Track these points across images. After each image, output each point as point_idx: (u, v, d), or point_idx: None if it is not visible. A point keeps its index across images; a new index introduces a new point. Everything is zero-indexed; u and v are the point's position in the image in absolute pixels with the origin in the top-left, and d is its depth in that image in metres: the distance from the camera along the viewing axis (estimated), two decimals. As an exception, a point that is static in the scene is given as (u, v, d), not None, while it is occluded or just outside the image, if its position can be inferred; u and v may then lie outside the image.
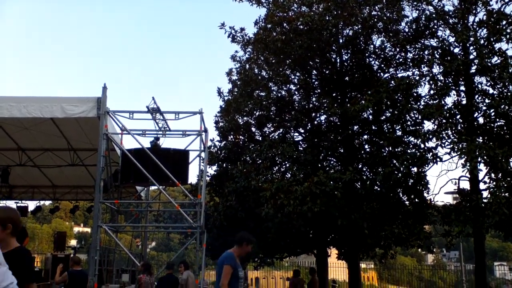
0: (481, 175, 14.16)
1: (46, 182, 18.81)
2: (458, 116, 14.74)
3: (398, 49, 16.59)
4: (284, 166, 16.98)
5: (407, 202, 15.76)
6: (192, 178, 31.23)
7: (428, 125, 14.97)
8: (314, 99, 17.95)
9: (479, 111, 14.60)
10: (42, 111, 11.33)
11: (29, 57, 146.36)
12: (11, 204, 19.69)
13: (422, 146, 14.59)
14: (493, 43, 14.20)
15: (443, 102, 14.55)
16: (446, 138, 14.15)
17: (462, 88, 15.09)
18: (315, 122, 17.85)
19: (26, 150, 15.73)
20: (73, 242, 47.59)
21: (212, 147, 18.41)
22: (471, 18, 15.20)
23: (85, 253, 33.21)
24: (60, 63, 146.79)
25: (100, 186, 11.47)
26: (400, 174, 14.58)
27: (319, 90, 17.96)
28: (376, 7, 16.50)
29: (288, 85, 18.09)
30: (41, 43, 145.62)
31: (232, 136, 18.92)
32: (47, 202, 21.77)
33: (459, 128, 14.50)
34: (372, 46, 17.23)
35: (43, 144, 15.20)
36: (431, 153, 14.35)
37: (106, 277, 14.03)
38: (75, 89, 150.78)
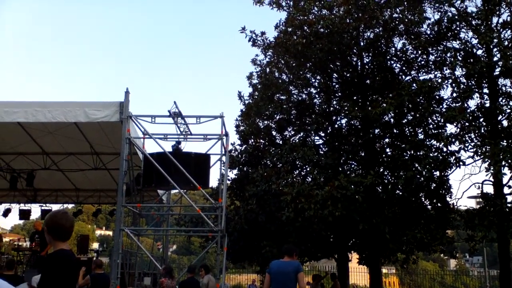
0: (505, 179, 13.97)
1: (70, 185, 19.07)
2: (481, 119, 14.54)
3: (419, 52, 16.46)
4: (304, 170, 16.94)
5: (429, 207, 15.60)
6: (213, 182, 31.43)
7: (451, 128, 14.87)
8: (334, 102, 17.89)
9: (503, 114, 14.38)
10: (66, 115, 11.49)
11: (52, 60, 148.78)
12: (36, 207, 20.04)
13: (445, 149, 14.44)
14: (518, 44, 13.99)
15: (466, 105, 14.39)
16: (469, 141, 13.99)
17: (486, 90, 14.89)
18: (336, 126, 17.78)
19: (50, 154, 15.97)
20: (95, 245, 48.11)
21: (233, 151, 18.47)
22: (494, 19, 15.02)
23: (107, 256, 33.57)
24: (82, 66, 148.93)
25: (123, 189, 11.57)
26: (422, 178, 14.44)
27: (339, 93, 17.90)
28: (397, 10, 16.42)
29: (308, 89, 18.07)
30: (63, 46, 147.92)
31: (252, 140, 18.95)
32: (70, 205, 22.04)
33: (482, 131, 14.29)
34: (393, 48, 17.14)
35: (67, 148, 15.42)
36: (453, 157, 14.20)
37: (128, 280, 14.14)
38: (98, 93, 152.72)
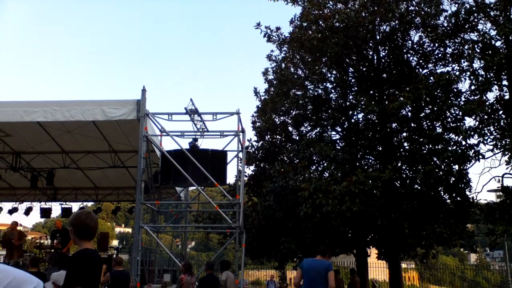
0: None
1: (89, 184, 19.30)
2: (500, 112, 14.32)
3: (437, 44, 16.26)
4: (321, 165, 16.88)
5: (448, 201, 15.44)
6: (230, 178, 31.42)
7: (470, 122, 14.68)
8: (351, 97, 17.78)
9: (523, 106, 14.14)
10: (84, 114, 11.62)
11: (68, 59, 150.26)
12: (56, 205, 20.31)
13: (464, 143, 14.27)
14: (538, 35, 13.73)
15: (484, 98, 14.17)
16: (489, 134, 13.79)
17: (505, 82, 14.64)
18: (353, 120, 17.67)
19: (69, 152, 16.18)
20: (115, 243, 48.60)
21: (250, 147, 18.48)
22: (513, 10, 14.74)
23: (126, 253, 33.90)
24: (99, 65, 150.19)
25: (141, 187, 11.68)
26: (441, 172, 14.29)
27: (356, 88, 17.78)
28: (414, 2, 16.24)
29: (324, 84, 17.98)
30: (78, 45, 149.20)
31: (269, 136, 18.94)
32: (90, 203, 22.32)
33: (502, 124, 14.07)
34: (410, 41, 16.95)
35: (85, 147, 15.59)
36: (473, 150, 14.02)
37: (148, 277, 14.27)
38: (115, 91, 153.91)
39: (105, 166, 16.30)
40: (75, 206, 21.01)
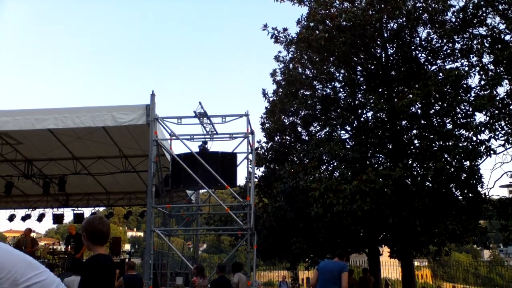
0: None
1: (100, 189, 19.39)
2: (511, 107, 14.21)
3: (445, 40, 16.18)
4: (331, 165, 16.85)
5: (460, 197, 15.34)
6: (241, 180, 31.45)
7: (480, 117, 14.57)
8: (359, 95, 17.74)
9: (535, 100, 14.02)
10: (94, 120, 11.69)
11: (75, 65, 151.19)
12: (68, 211, 20.43)
13: (474, 139, 14.18)
14: (547, 28, 13.61)
15: (495, 93, 14.06)
16: (500, 129, 13.68)
17: (515, 77, 14.53)
18: (362, 119, 17.62)
19: (80, 158, 16.27)
20: (127, 247, 48.80)
21: (259, 149, 18.50)
22: (522, 3, 14.63)
23: (139, 257, 34.03)
24: (104, 70, 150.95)
25: (152, 191, 11.71)
26: (452, 169, 14.21)
27: (364, 86, 17.73)
28: (421, -1, 16.16)
29: (333, 83, 17.96)
30: (80, 44, 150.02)
31: (278, 137, 18.94)
32: (102, 208, 22.41)
33: (513, 118, 13.96)
34: (418, 38, 16.89)
35: (96, 152, 15.68)
36: (484, 146, 13.92)
37: (161, 281, 14.31)
38: (121, 96, 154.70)
39: (116, 171, 16.37)
40: (87, 212, 21.11)
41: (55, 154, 15.77)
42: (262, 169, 18.99)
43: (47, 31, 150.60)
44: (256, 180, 17.22)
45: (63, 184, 17.04)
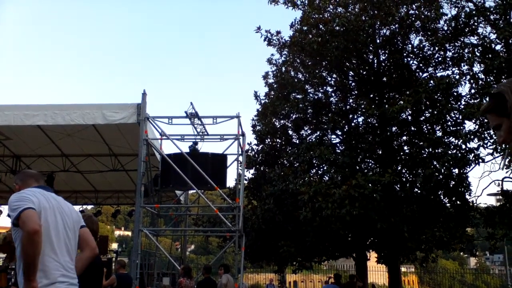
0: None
1: (89, 187, 19.29)
2: (501, 116, 14.33)
3: (437, 48, 16.31)
4: (321, 169, 16.88)
5: (448, 205, 15.44)
6: (230, 181, 31.40)
7: (469, 125, 14.70)
8: (351, 100, 17.81)
9: (523, 110, 14.16)
10: (84, 118, 11.64)
11: (67, 63, 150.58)
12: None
13: (464, 147, 14.28)
14: (537, 39, 13.77)
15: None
16: (488, 138, 13.81)
17: (505, 86, 14.67)
18: (353, 124, 17.69)
19: (69, 156, 16.18)
20: (115, 246, 48.56)
21: (250, 151, 18.49)
22: (513, 14, 14.79)
23: (126, 256, 33.85)
24: (98, 69, 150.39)
25: (141, 190, 11.68)
26: (441, 176, 14.29)
27: (356, 92, 17.81)
28: (414, 6, 16.28)
29: (324, 87, 18.01)
30: (77, 48, 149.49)
31: (269, 139, 18.95)
32: (90, 207, 22.29)
33: (502, 128, 14.09)
34: (410, 45, 17.00)
35: (86, 150, 15.60)
36: (472, 154, 14.03)
37: (148, 281, 14.25)
38: (115, 95, 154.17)
39: (105, 169, 16.30)
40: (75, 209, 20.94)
41: (44, 151, 15.67)
42: (252, 171, 19.00)
43: (43, 32, 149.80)
44: (245, 182, 17.21)
45: (52, 181, 16.89)
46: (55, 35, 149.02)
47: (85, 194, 20.16)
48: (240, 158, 13.02)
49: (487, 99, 2.09)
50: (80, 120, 11.62)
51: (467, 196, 15.08)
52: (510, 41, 14.30)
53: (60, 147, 15.52)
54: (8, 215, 3.16)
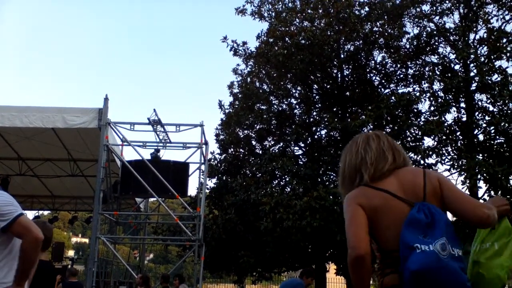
0: (480, 192, 14.18)
1: (46, 192, 18.78)
2: (458, 133, 14.80)
3: (399, 65, 16.72)
4: (284, 180, 16.97)
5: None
6: (192, 190, 31.17)
7: (428, 142, 15.03)
8: (314, 113, 18.01)
9: (479, 128, 14.67)
10: (43, 121, 11.37)
11: (28, 65, 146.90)
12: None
13: (422, 162, 14.62)
14: (494, 60, 14.32)
15: (443, 119, 14.62)
16: (446, 154, 14.21)
17: (463, 105, 15.17)
18: (316, 137, 17.89)
19: (26, 159, 15.73)
20: (71, 253, 47.39)
21: (212, 160, 18.42)
22: (471, 36, 15.36)
23: (82, 264, 33.06)
24: (58, 72, 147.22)
25: (100, 197, 11.47)
26: (400, 190, 14.56)
27: (319, 105, 18.03)
28: (378, 23, 16.66)
29: (289, 99, 18.17)
30: (39, 49, 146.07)
31: (232, 149, 18.93)
32: (46, 212, 21.74)
33: (459, 144, 14.54)
34: (373, 61, 17.36)
35: (44, 154, 15.21)
36: (431, 170, 14.38)
37: (103, 289, 13.95)
38: (75, 100, 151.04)
39: (63, 174, 15.92)
40: (30, 215, 20.38)
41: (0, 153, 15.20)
42: (214, 180, 18.90)
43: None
44: (207, 191, 17.13)
45: (6, 184, 16.37)
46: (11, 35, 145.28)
47: (42, 199, 19.61)
48: (203, 167, 12.97)
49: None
50: (39, 123, 11.33)
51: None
52: (468, 62, 14.81)
53: (16, 150, 15.07)
54: None
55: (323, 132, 17.87)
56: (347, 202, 2.36)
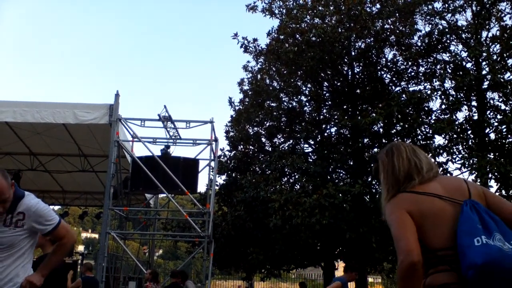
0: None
1: (56, 187, 18.90)
2: (469, 132, 14.69)
3: (410, 63, 16.61)
4: (293, 178, 16.97)
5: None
6: (201, 187, 31.29)
7: (439, 140, 14.99)
8: (324, 110, 17.97)
9: (491, 127, 14.54)
10: (54, 116, 11.42)
11: (40, 61, 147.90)
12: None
13: (433, 161, 14.53)
14: (506, 58, 14.19)
15: (454, 117, 14.52)
16: (457, 153, 14.11)
17: (474, 103, 15.05)
18: (325, 134, 17.85)
19: (37, 155, 15.84)
20: (81, 248, 47.74)
21: (222, 157, 18.46)
22: (484, 34, 15.22)
23: (92, 259, 33.30)
24: (71, 68, 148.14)
25: (110, 192, 11.50)
26: (410, 189, 14.50)
27: (330, 102, 17.99)
28: (389, 21, 16.56)
29: (299, 96, 18.14)
30: (50, 46, 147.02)
31: (242, 146, 18.95)
32: (57, 207, 21.85)
33: (470, 143, 14.43)
34: (384, 59, 17.27)
35: (55, 150, 15.30)
36: (441, 168, 14.30)
37: (113, 284, 14.03)
38: (87, 95, 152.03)
39: (74, 169, 16.01)
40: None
41: (11, 148, 15.30)
42: (223, 177, 18.94)
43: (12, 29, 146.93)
44: (217, 188, 17.16)
45: (18, 179, 16.48)
46: (33, 35, 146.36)
47: (53, 194, 19.74)
48: (212, 164, 12.97)
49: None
50: (50, 118, 11.39)
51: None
52: (480, 60, 14.68)
53: (28, 145, 15.18)
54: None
55: (333, 129, 17.84)
56: (392, 208, 2.37)
